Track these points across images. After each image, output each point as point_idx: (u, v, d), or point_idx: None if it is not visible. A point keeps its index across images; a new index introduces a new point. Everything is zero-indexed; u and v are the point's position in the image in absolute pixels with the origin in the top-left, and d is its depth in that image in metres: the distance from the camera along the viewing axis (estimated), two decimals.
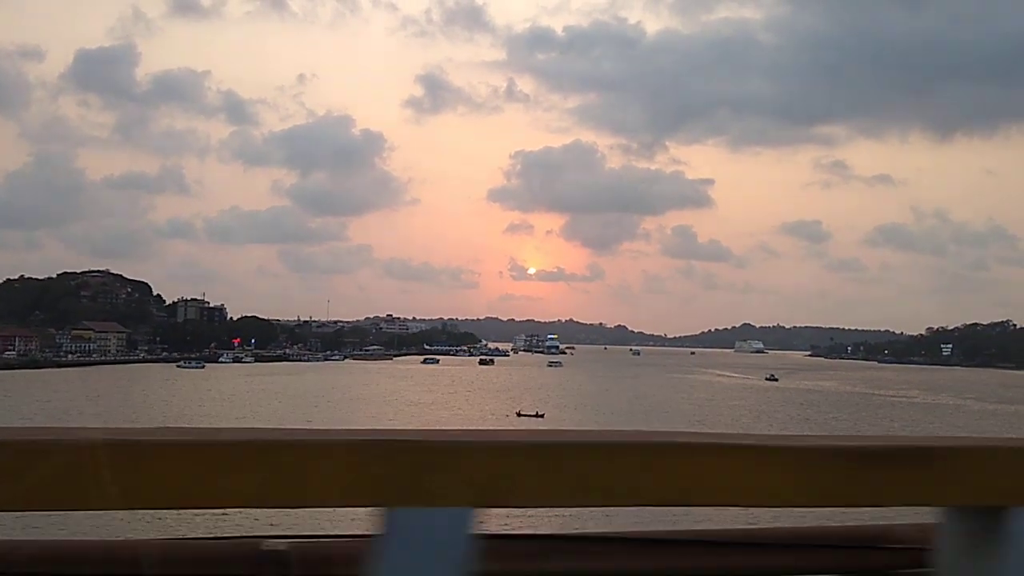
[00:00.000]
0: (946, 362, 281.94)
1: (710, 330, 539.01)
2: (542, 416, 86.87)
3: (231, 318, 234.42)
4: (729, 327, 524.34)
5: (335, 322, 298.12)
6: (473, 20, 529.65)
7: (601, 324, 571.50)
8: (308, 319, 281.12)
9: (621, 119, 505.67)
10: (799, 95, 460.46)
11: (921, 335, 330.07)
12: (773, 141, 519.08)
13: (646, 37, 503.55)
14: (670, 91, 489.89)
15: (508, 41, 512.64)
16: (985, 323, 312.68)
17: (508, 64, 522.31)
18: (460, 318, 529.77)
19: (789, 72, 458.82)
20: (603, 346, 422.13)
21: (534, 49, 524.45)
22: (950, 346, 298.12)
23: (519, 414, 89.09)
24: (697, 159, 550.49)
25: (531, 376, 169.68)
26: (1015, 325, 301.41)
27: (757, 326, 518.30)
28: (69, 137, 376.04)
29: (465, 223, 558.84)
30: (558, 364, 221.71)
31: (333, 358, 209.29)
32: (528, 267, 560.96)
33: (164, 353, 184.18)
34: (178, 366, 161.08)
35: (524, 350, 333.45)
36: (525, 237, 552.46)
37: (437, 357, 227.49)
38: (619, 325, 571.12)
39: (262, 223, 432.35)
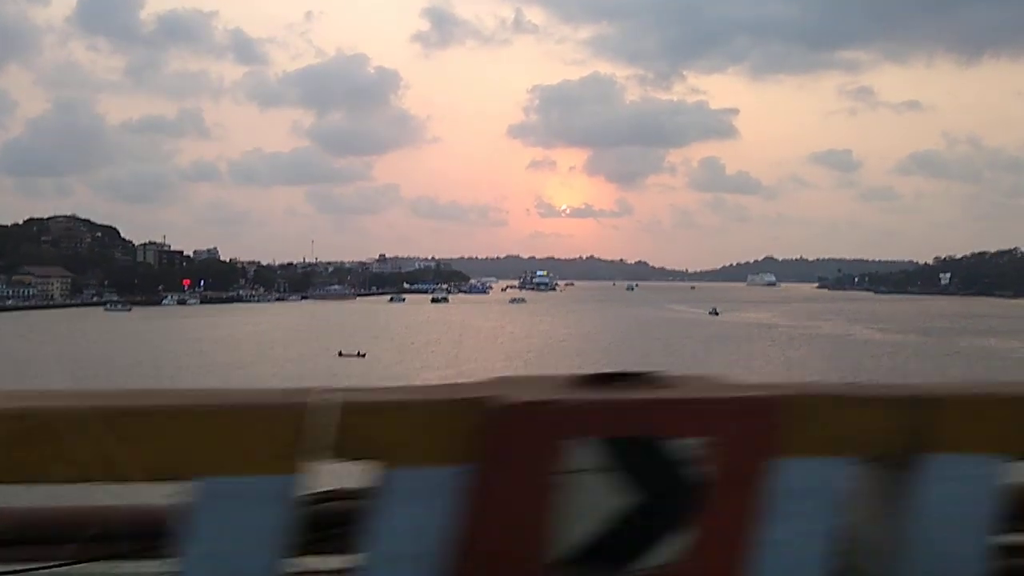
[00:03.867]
0: (944, 291, 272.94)
1: (732, 264, 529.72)
2: (363, 356, 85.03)
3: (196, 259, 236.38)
4: (751, 261, 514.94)
5: (327, 264, 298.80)
6: None
7: (622, 261, 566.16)
8: (294, 262, 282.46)
9: (635, 48, 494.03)
10: (818, 17, 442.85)
11: (927, 264, 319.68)
12: (795, 67, 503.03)
13: None
14: (684, 17, 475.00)
15: None
16: (993, 251, 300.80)
17: None
18: (481, 256, 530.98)
19: None
20: (612, 282, 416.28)
21: None
22: (948, 275, 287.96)
23: (340, 354, 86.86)
24: (717, 88, 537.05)
25: (467, 313, 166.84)
26: (1023, 252, 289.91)
27: (780, 259, 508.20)
28: (84, 82, 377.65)
29: (488, 160, 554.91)
30: (521, 301, 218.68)
31: (290, 299, 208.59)
32: (557, 204, 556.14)
33: (112, 297, 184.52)
34: (105, 309, 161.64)
35: (519, 287, 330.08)
36: (549, 173, 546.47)
37: (404, 296, 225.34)
38: (640, 261, 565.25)
39: (286, 164, 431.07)
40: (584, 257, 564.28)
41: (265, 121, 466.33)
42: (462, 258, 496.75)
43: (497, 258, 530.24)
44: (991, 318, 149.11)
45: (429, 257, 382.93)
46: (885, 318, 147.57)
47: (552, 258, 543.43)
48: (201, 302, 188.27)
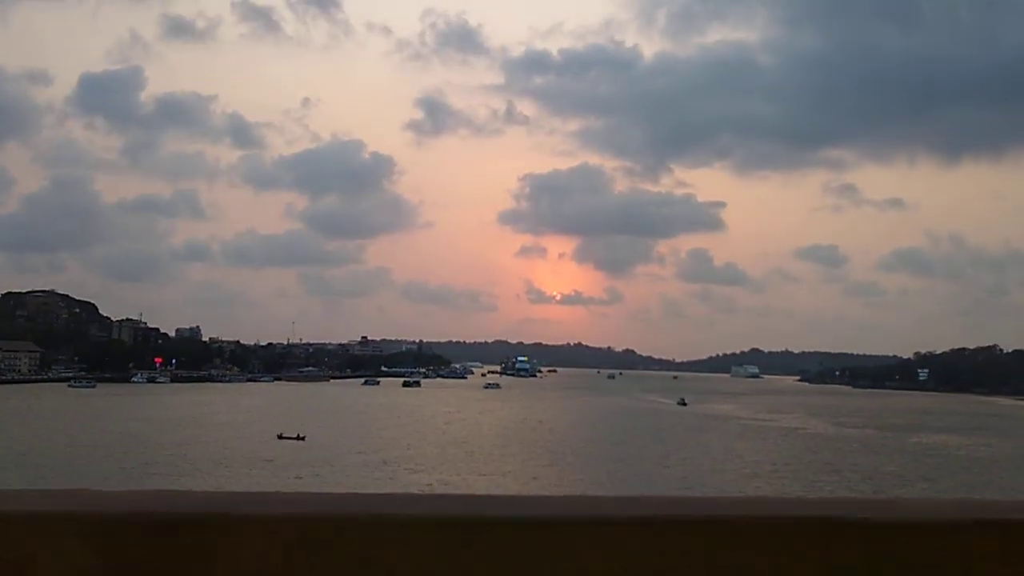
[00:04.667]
0: (921, 387, 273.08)
1: (718, 355, 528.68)
2: (303, 439, 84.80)
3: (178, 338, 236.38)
4: (738, 352, 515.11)
5: (307, 345, 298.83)
6: (467, 43, 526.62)
7: (609, 348, 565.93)
8: (275, 342, 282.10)
9: (623, 142, 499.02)
10: (802, 117, 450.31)
11: (908, 359, 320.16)
12: (780, 164, 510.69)
13: (642, 60, 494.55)
14: (670, 114, 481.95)
15: (504, 64, 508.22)
16: (972, 347, 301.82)
17: (506, 87, 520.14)
18: (469, 341, 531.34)
19: (790, 94, 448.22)
20: (597, 370, 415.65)
21: (531, 72, 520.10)
22: (926, 371, 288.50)
23: (280, 436, 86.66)
24: (704, 182, 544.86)
25: (433, 398, 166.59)
26: (1002, 350, 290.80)
27: (766, 351, 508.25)
28: (81, 160, 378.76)
29: (479, 246, 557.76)
30: (495, 386, 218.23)
31: (261, 379, 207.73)
32: (547, 290, 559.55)
33: (82, 373, 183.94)
34: (69, 385, 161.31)
35: (500, 372, 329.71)
36: (538, 260, 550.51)
37: (378, 380, 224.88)
38: (627, 349, 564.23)
39: (279, 246, 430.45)
40: (572, 344, 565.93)
41: (259, 203, 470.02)
42: (450, 342, 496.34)
43: (485, 343, 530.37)
44: (956, 415, 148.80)
45: (416, 340, 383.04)
46: (848, 412, 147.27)
47: (540, 344, 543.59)
48: (172, 380, 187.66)
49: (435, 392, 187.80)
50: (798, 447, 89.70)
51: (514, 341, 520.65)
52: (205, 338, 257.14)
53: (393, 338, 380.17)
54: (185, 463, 65.46)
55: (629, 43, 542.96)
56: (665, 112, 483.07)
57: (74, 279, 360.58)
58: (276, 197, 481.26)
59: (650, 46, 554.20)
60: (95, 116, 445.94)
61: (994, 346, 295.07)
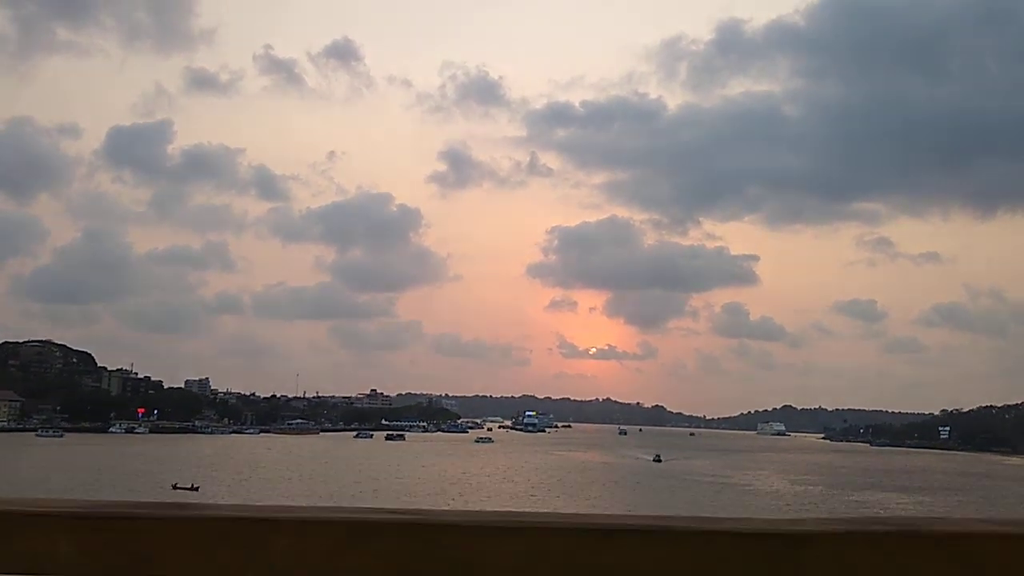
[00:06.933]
0: (942, 445, 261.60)
1: (749, 412, 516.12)
2: (196, 489, 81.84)
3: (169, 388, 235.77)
4: (770, 409, 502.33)
5: (317, 396, 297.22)
6: (488, 95, 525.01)
7: (638, 404, 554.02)
8: (280, 394, 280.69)
9: (650, 194, 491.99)
10: (831, 169, 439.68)
11: (934, 416, 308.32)
12: (812, 218, 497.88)
13: (666, 111, 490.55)
14: (697, 166, 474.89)
15: (526, 117, 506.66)
16: (999, 405, 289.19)
17: (529, 140, 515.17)
18: (496, 395, 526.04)
19: (818, 145, 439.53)
20: (617, 426, 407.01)
21: (553, 124, 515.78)
22: (947, 428, 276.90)
23: (174, 486, 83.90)
24: (735, 235, 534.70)
25: (405, 452, 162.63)
26: None
27: (799, 408, 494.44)
28: (111, 213, 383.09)
29: (508, 299, 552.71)
30: (488, 441, 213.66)
31: (247, 432, 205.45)
32: (579, 345, 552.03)
33: (63, 423, 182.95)
34: (36, 435, 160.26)
35: (511, 427, 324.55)
36: (569, 314, 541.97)
37: (371, 433, 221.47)
38: (656, 405, 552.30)
39: (310, 299, 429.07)
40: (601, 399, 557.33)
41: (288, 256, 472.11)
42: (477, 396, 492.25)
43: (512, 397, 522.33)
44: (943, 474, 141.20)
45: (437, 394, 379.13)
46: (824, 471, 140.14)
47: (568, 399, 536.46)
48: (152, 431, 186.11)
49: (412, 446, 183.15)
50: (717, 505, 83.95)
51: (541, 396, 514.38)
52: (214, 390, 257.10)
53: (417, 391, 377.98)
54: None
55: (652, 95, 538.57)
56: (692, 164, 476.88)
57: (110, 329, 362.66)
58: (304, 250, 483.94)
59: (673, 98, 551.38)
60: (123, 169, 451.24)
61: (1022, 403, 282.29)
